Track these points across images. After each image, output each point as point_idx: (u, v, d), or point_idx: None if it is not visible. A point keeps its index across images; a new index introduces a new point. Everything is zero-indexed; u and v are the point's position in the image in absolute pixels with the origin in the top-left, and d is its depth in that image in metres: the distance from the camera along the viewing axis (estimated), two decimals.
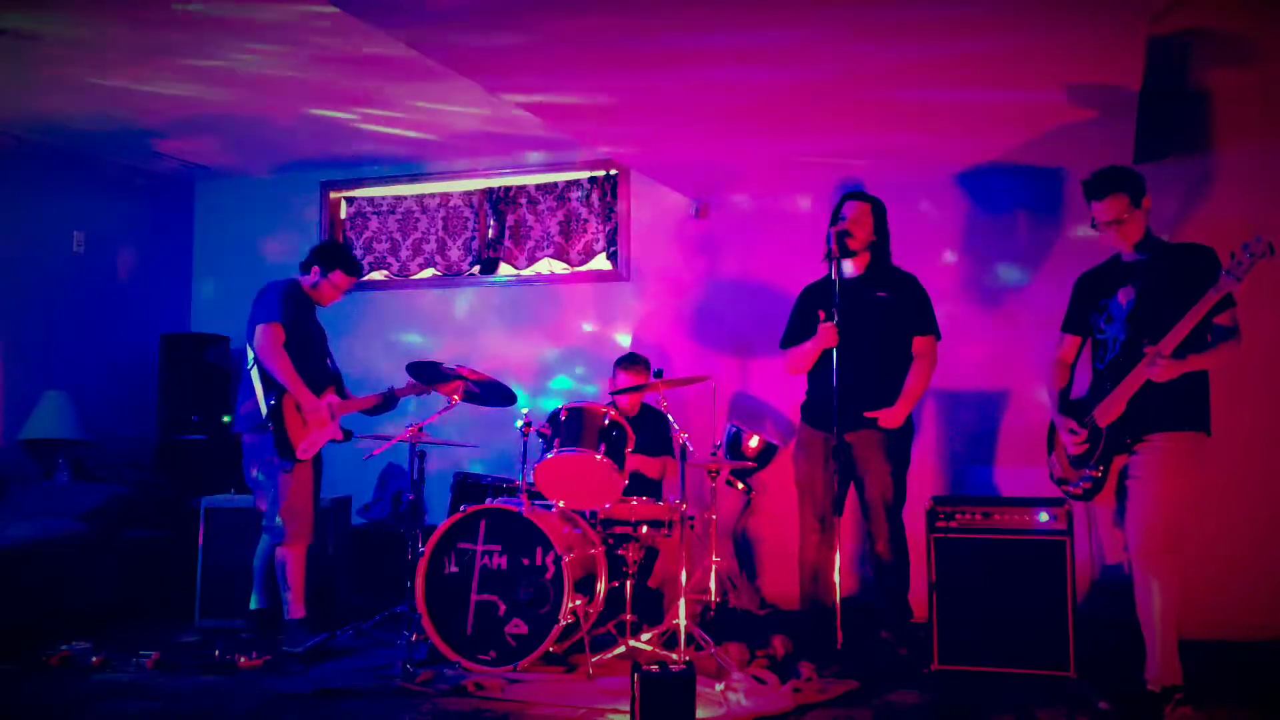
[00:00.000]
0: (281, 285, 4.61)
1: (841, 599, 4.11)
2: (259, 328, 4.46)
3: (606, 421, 4.26)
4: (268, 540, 4.58)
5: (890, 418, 4.21)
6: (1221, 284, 3.21)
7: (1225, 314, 3.36)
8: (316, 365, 4.67)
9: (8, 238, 5.69)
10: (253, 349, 4.50)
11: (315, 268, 4.71)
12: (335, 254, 4.77)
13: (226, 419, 5.85)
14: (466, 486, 4.70)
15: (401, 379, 4.76)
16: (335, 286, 4.73)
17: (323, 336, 4.82)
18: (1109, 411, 3.46)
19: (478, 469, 5.53)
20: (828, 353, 4.18)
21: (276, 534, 4.49)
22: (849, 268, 4.29)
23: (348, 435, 4.68)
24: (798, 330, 4.45)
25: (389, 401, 4.78)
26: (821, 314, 4.15)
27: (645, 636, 4.18)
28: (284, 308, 4.49)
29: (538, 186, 6.17)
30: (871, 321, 4.22)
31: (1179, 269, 3.42)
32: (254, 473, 4.56)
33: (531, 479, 4.34)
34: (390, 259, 6.46)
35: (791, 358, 4.45)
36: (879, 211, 4.36)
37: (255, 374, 4.50)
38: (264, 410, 4.42)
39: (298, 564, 4.51)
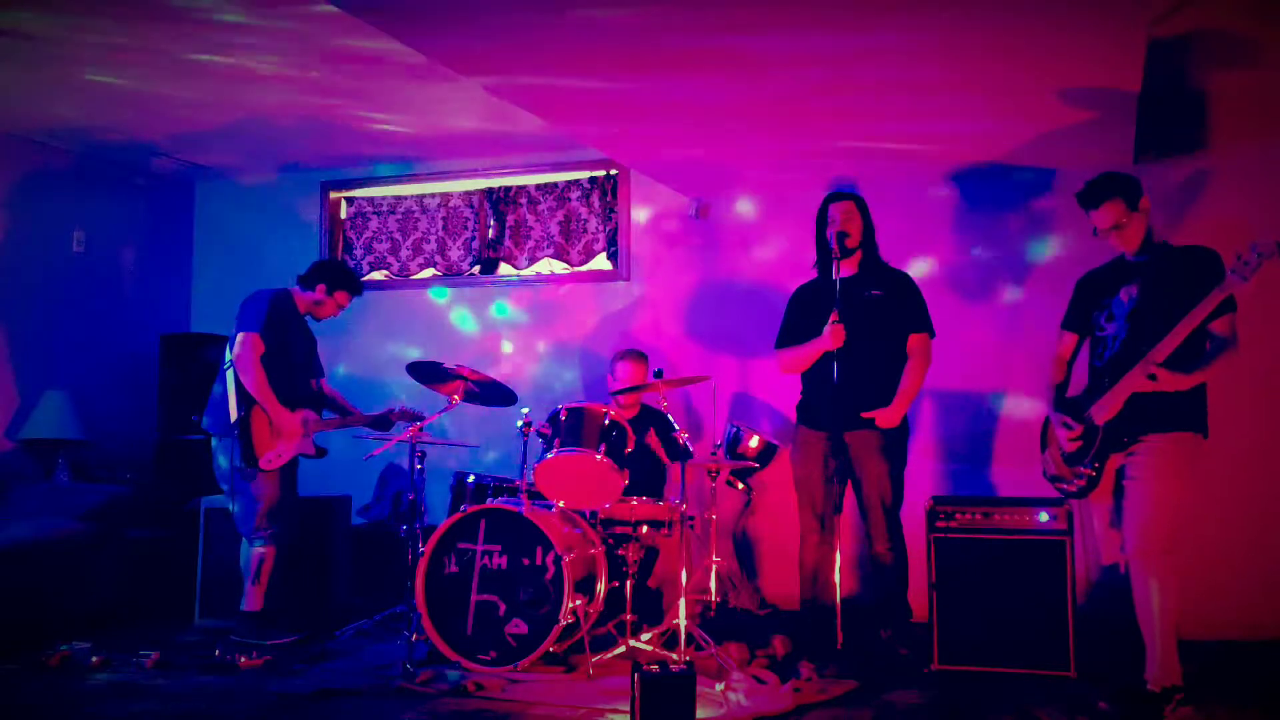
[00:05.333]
0: (269, 296, 4.61)
1: (841, 599, 4.11)
2: (239, 336, 4.48)
3: (606, 421, 4.26)
4: (248, 544, 4.60)
5: (887, 417, 4.21)
6: (1228, 283, 3.18)
7: (1224, 319, 3.34)
8: (297, 379, 4.70)
9: (8, 238, 5.69)
10: (230, 354, 4.51)
11: (321, 285, 4.75)
12: (342, 274, 4.84)
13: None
14: (466, 486, 4.70)
15: (401, 379, 4.77)
16: (339, 305, 4.83)
17: (309, 351, 4.83)
18: (1106, 409, 3.46)
19: (478, 469, 5.53)
20: (825, 353, 4.18)
21: (255, 539, 4.54)
22: (843, 267, 4.27)
23: (321, 453, 4.69)
24: (792, 331, 4.44)
25: (382, 422, 4.78)
26: (835, 315, 4.13)
27: (645, 636, 4.18)
28: (266, 319, 4.51)
29: (538, 186, 6.17)
30: (866, 320, 4.22)
31: (1182, 269, 3.42)
32: (221, 481, 4.60)
33: (531, 479, 4.34)
34: (390, 259, 6.46)
35: (788, 358, 4.44)
36: (864, 208, 4.37)
37: (230, 377, 4.52)
38: (234, 417, 4.44)
39: (271, 562, 4.56)
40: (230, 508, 4.61)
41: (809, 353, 4.29)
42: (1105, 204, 3.48)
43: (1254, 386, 4.69)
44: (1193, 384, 3.35)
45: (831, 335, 4.12)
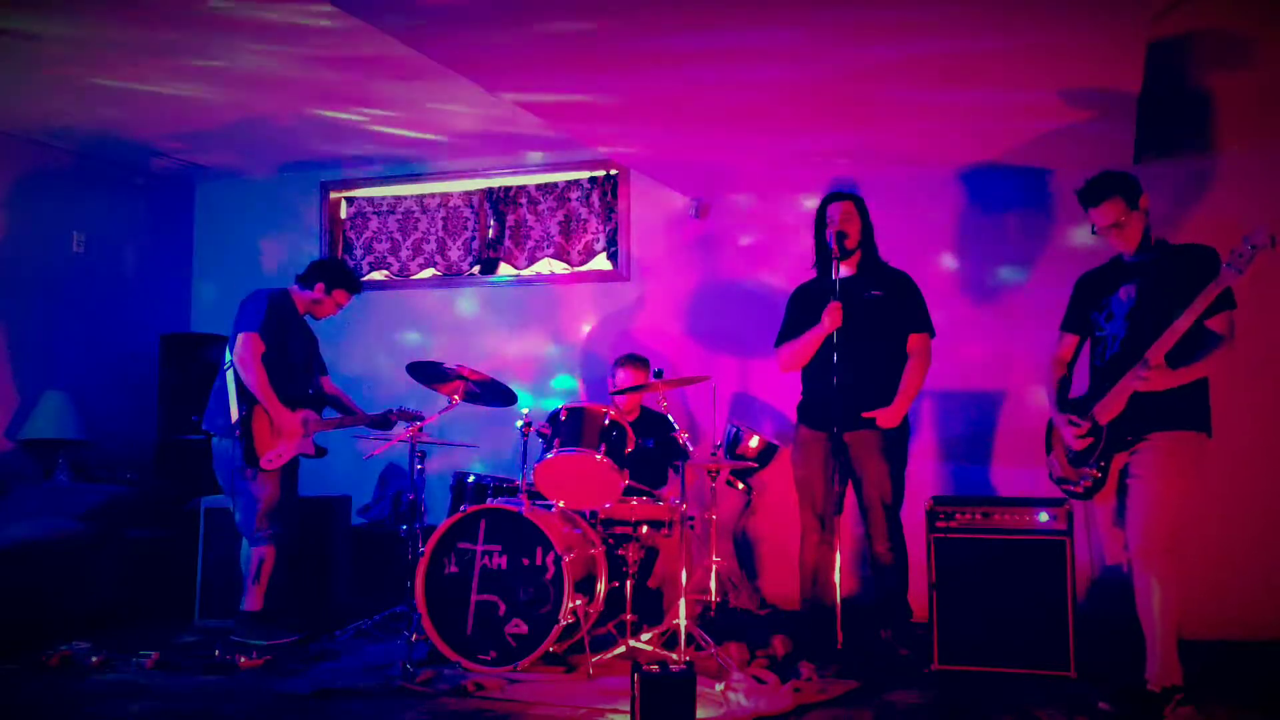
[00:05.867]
0: (268, 295, 4.62)
1: (841, 599, 4.11)
2: (239, 336, 4.49)
3: (606, 421, 4.25)
4: (249, 544, 4.59)
5: (887, 417, 4.20)
6: (1223, 276, 3.18)
7: (1222, 316, 3.33)
8: (297, 378, 4.69)
9: (8, 238, 5.69)
10: (231, 354, 4.51)
11: (320, 284, 4.75)
12: (341, 273, 4.85)
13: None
14: (466, 486, 4.69)
15: (401, 380, 4.76)
16: (338, 304, 4.83)
17: (309, 350, 4.83)
18: (1109, 409, 3.46)
19: (478, 469, 5.53)
20: (824, 352, 4.17)
21: (256, 539, 4.53)
22: (842, 268, 4.27)
23: (321, 452, 4.69)
24: (793, 329, 4.42)
25: (382, 422, 4.76)
26: (833, 302, 4.14)
27: (645, 636, 4.18)
28: (266, 318, 4.52)
29: (538, 186, 6.17)
30: (866, 321, 4.22)
31: (1181, 268, 3.41)
32: (222, 481, 4.60)
33: (531, 479, 4.34)
34: (390, 259, 6.46)
35: (787, 353, 4.41)
36: (862, 208, 4.37)
37: (230, 378, 4.52)
38: (234, 417, 4.44)
39: (271, 562, 4.56)
40: (230, 508, 4.61)
41: (808, 341, 4.27)
42: (1105, 202, 3.49)
43: (1255, 382, 4.69)
44: (1181, 381, 3.34)
45: (829, 315, 4.11)
